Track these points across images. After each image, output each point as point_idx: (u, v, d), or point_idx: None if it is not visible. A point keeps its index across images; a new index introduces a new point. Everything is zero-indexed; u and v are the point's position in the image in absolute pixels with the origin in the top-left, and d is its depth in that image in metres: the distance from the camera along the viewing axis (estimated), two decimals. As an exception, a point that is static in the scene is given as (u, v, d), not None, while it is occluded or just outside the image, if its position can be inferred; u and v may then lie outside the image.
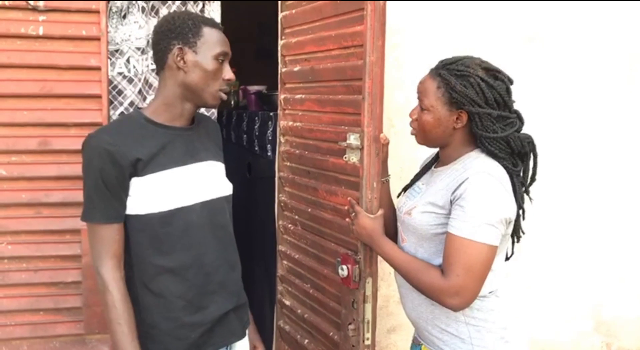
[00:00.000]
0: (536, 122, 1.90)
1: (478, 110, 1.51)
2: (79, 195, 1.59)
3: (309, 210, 2.17)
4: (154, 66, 1.99)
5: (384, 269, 2.35)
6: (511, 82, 1.58)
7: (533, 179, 1.62)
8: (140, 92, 2.29)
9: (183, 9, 2.29)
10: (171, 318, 1.56)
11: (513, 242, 1.64)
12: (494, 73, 1.55)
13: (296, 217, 2.28)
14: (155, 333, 1.56)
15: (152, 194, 1.51)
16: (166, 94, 1.57)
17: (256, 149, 2.99)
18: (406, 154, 2.42)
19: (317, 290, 2.14)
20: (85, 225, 1.53)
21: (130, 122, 1.58)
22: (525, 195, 1.60)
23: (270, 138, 2.81)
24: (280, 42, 2.34)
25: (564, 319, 2.86)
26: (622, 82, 2.81)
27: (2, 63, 2.03)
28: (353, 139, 1.82)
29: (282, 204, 2.38)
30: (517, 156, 1.56)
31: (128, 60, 2.27)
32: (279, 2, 2.32)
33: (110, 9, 2.21)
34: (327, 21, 2.00)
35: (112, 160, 1.45)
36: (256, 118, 3.00)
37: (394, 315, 2.65)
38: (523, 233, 1.64)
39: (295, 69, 2.22)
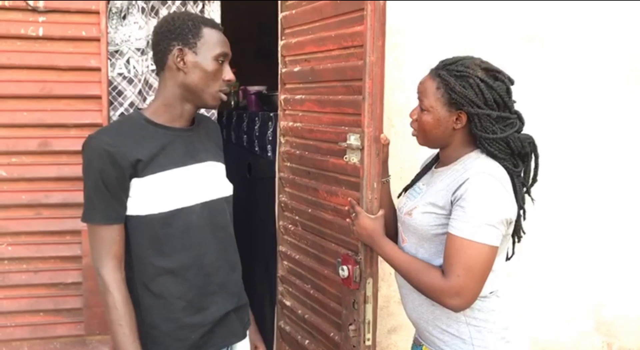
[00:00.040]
0: (536, 123, 1.90)
1: (477, 111, 1.51)
2: (79, 196, 1.58)
3: (310, 210, 2.16)
4: (154, 67, 1.99)
5: (385, 270, 2.34)
6: (512, 82, 1.57)
7: (534, 180, 1.62)
8: (140, 92, 2.29)
9: (183, 9, 2.29)
10: (171, 319, 1.56)
11: (514, 242, 1.64)
12: (493, 73, 1.55)
13: (296, 217, 2.28)
14: (156, 334, 1.56)
15: (152, 194, 1.51)
16: (166, 94, 1.57)
17: (256, 149, 2.99)
18: (406, 154, 2.42)
19: (317, 290, 2.14)
20: (85, 226, 1.53)
21: (130, 123, 1.58)
22: (526, 195, 1.60)
23: (270, 138, 2.81)
24: (280, 43, 2.33)
25: (564, 318, 2.86)
26: (622, 82, 2.81)
27: (2, 64, 2.02)
28: (353, 140, 1.82)
29: (282, 205, 2.38)
30: (517, 157, 1.56)
31: (128, 61, 2.27)
32: (279, 2, 2.32)
33: (110, 10, 2.20)
34: (327, 21, 2.00)
35: (112, 161, 1.45)
36: (256, 118, 3.00)
37: (395, 315, 2.65)
38: (524, 233, 1.64)
39: (296, 69, 2.22)
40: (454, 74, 1.53)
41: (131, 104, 2.26)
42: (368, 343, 1.84)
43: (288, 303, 2.35)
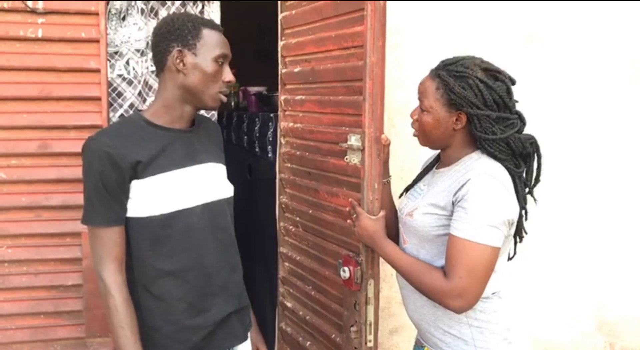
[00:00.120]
0: (537, 123, 1.89)
1: (477, 112, 1.50)
2: (79, 198, 1.58)
3: (310, 211, 2.16)
4: (153, 68, 1.98)
5: (386, 271, 2.34)
6: (513, 82, 1.56)
7: (537, 180, 1.61)
8: (140, 94, 2.28)
9: (182, 10, 2.29)
10: (172, 321, 1.56)
11: (515, 243, 1.63)
12: (493, 74, 1.54)
13: (297, 218, 2.27)
14: (157, 336, 1.55)
15: (152, 196, 1.50)
16: (166, 96, 1.56)
17: (257, 150, 2.99)
18: (407, 155, 2.41)
19: (318, 292, 2.13)
20: (85, 228, 1.52)
21: (130, 124, 1.58)
22: (529, 196, 1.59)
23: (270, 139, 2.81)
24: (280, 43, 2.33)
25: (567, 318, 2.85)
26: (623, 82, 2.80)
27: (1, 66, 2.02)
28: (354, 140, 1.81)
29: (283, 206, 2.38)
30: (519, 157, 1.55)
31: (127, 62, 2.27)
32: (279, 2, 2.31)
33: (109, 11, 2.20)
34: (327, 22, 2.00)
35: (112, 162, 1.45)
36: (256, 119, 3.00)
37: (396, 316, 2.64)
38: (526, 233, 1.64)
39: (296, 70, 2.22)
40: (453, 74, 1.52)
41: (131, 106, 2.26)
42: (370, 344, 1.83)
43: (289, 304, 2.35)
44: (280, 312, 2.44)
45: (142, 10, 2.24)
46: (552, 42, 2.73)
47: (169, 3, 2.28)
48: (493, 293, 1.54)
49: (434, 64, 1.61)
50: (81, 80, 2.08)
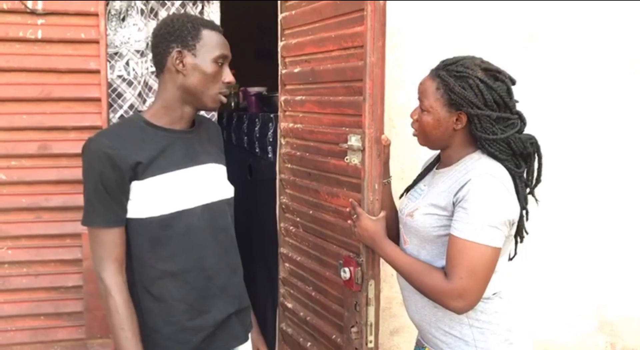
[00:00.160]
0: (537, 123, 1.89)
1: (477, 112, 1.50)
2: (79, 199, 1.58)
3: (311, 212, 2.16)
4: (153, 69, 1.98)
5: (387, 271, 2.33)
6: (513, 82, 1.56)
7: (538, 180, 1.61)
8: (139, 94, 2.28)
9: (182, 10, 2.29)
10: (172, 322, 1.55)
11: (516, 243, 1.63)
12: (494, 74, 1.54)
13: (297, 219, 2.27)
14: (157, 337, 1.55)
15: (152, 197, 1.50)
16: (166, 97, 1.56)
17: (257, 150, 2.99)
18: (407, 155, 2.41)
19: (319, 292, 2.13)
20: (85, 229, 1.52)
21: (130, 125, 1.58)
22: (530, 196, 1.59)
23: (271, 140, 2.80)
24: (280, 44, 2.33)
25: (568, 319, 2.85)
26: (623, 82, 2.80)
27: (1, 67, 2.02)
28: (354, 141, 1.81)
29: (283, 206, 2.37)
30: (519, 157, 1.55)
31: (127, 63, 2.27)
32: (279, 3, 2.31)
33: (109, 12, 2.20)
34: (327, 22, 1.99)
35: (112, 163, 1.45)
36: (257, 120, 3.00)
37: (397, 316, 2.64)
38: (526, 233, 1.63)
39: (296, 70, 2.22)
40: (453, 74, 1.52)
41: (131, 106, 2.26)
42: (370, 345, 1.83)
43: (290, 305, 2.34)
44: (280, 313, 2.43)
45: (142, 11, 2.24)
46: (552, 42, 2.73)
47: (168, 4, 2.28)
48: (494, 293, 1.54)
49: (434, 64, 1.61)
50: (81, 81, 2.08)
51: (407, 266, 1.56)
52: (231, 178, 1.73)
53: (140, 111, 1.63)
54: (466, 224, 1.43)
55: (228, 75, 1.56)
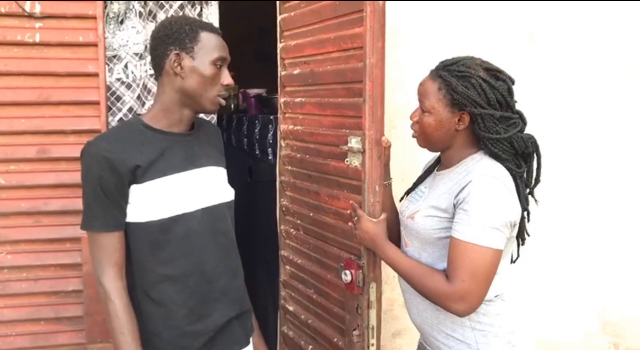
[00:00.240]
0: (537, 123, 1.88)
1: (480, 111, 1.49)
2: (78, 203, 1.57)
3: (311, 214, 2.15)
4: (152, 71, 1.97)
5: (388, 272, 2.32)
6: (512, 82, 1.56)
7: (537, 180, 1.60)
8: (138, 97, 2.28)
9: (181, 13, 2.28)
10: (173, 326, 1.54)
11: (518, 245, 1.62)
12: (495, 73, 1.53)
13: (298, 221, 2.26)
14: (157, 342, 1.54)
15: (151, 201, 1.49)
16: (164, 99, 1.55)
17: (257, 152, 2.98)
18: (408, 156, 2.40)
19: (320, 295, 2.12)
20: (85, 233, 1.51)
21: (128, 128, 1.57)
22: (530, 197, 1.58)
23: (271, 141, 2.80)
24: (279, 45, 2.32)
25: (570, 320, 2.84)
26: (623, 82, 2.79)
27: (-1, 71, 2.01)
28: (354, 142, 1.80)
29: (283, 209, 2.37)
30: (520, 157, 1.54)
31: (126, 66, 2.26)
32: (277, 4, 2.30)
33: (107, 14, 2.19)
34: (326, 23, 1.99)
35: (111, 167, 1.44)
36: (256, 121, 2.99)
37: (399, 319, 2.63)
38: (528, 235, 1.62)
39: (295, 72, 2.21)
40: (455, 74, 1.51)
41: (130, 109, 2.25)
42: (372, 348, 1.82)
43: (291, 308, 2.33)
44: (282, 316, 2.43)
45: (140, 14, 2.23)
46: (552, 42, 2.72)
47: (167, 6, 2.28)
48: (496, 296, 1.53)
49: (435, 63, 1.60)
50: (79, 84, 2.07)
51: (409, 269, 1.55)
52: (231, 180, 1.72)
53: (139, 114, 1.62)
54: (467, 226, 1.43)
55: (227, 78, 1.55)
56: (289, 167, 2.31)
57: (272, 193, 2.44)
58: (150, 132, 1.53)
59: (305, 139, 2.17)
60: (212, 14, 2.34)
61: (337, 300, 1.99)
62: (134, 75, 2.26)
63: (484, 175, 1.46)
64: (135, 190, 1.48)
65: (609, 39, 2.75)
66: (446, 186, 1.54)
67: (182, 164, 1.56)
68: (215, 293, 1.59)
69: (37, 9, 2.01)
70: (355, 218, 1.74)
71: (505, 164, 1.51)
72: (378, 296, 1.82)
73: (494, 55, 1.68)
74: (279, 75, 2.33)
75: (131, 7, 2.22)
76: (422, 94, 1.57)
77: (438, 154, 1.69)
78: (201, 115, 1.98)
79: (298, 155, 2.23)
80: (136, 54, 2.25)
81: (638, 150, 2.83)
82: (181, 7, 2.29)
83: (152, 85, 2.28)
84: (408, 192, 1.76)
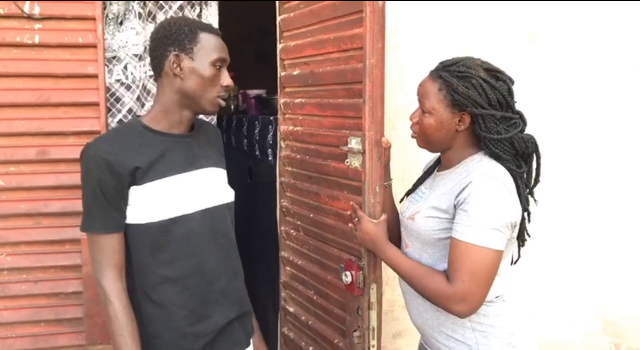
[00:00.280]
0: (537, 123, 1.88)
1: (481, 111, 1.49)
2: (78, 205, 1.57)
3: (311, 215, 2.15)
4: (151, 73, 1.97)
5: (389, 273, 2.32)
6: (512, 82, 1.56)
7: (537, 180, 1.60)
8: (138, 98, 2.27)
9: (180, 13, 2.27)
10: (173, 328, 1.54)
11: (519, 246, 1.61)
12: (495, 74, 1.53)
13: (298, 222, 2.26)
14: (157, 343, 1.54)
15: (151, 202, 1.49)
16: (164, 101, 1.55)
17: (257, 153, 2.98)
18: (408, 157, 2.40)
19: (321, 296, 2.12)
20: (85, 234, 1.51)
21: (128, 130, 1.57)
22: (530, 197, 1.58)
23: (270, 142, 2.80)
24: (279, 46, 2.32)
25: (571, 320, 2.84)
26: (623, 82, 2.79)
27: (-1, 72, 2.01)
28: (354, 143, 1.80)
29: (283, 210, 2.36)
30: (520, 157, 1.54)
31: (125, 67, 2.26)
32: (277, 4, 2.30)
33: (107, 16, 2.19)
34: (325, 24, 1.98)
35: (110, 169, 1.44)
36: (256, 122, 2.99)
37: (400, 320, 2.63)
38: (529, 236, 1.62)
39: (295, 72, 2.21)
40: (455, 75, 1.51)
41: (129, 111, 2.25)
42: (373, 349, 1.82)
43: (291, 309, 2.33)
44: (282, 317, 2.42)
45: (140, 15, 2.23)
46: (552, 42, 2.72)
47: (166, 7, 2.27)
48: (497, 297, 1.53)
49: (435, 64, 1.59)
50: (79, 85, 2.07)
51: (409, 270, 1.55)
52: (231, 181, 1.72)
53: (138, 116, 1.62)
54: (467, 227, 1.42)
55: (226, 79, 1.55)
56: (289, 168, 2.30)
57: (272, 194, 2.44)
58: (149, 133, 1.53)
59: (305, 140, 2.17)
60: (211, 15, 2.33)
61: (338, 302, 1.99)
62: (134, 76, 2.26)
63: (484, 176, 1.46)
64: (134, 192, 1.48)
65: (609, 39, 2.75)
66: (446, 187, 1.54)
67: (182, 166, 1.55)
68: (216, 294, 1.59)
69: (37, 10, 2.00)
70: (356, 219, 1.74)
71: (506, 165, 1.51)
72: (379, 297, 1.81)
73: (494, 55, 1.68)
74: (278, 76, 2.33)
75: (130, 8, 2.22)
76: (422, 94, 1.57)
77: (438, 154, 1.68)
78: (201, 116, 1.98)
79: (298, 156, 2.22)
80: (135, 55, 2.25)
81: (638, 151, 2.83)
82: (181, 7, 2.28)
83: (152, 87, 2.28)
84: (408, 193, 1.75)
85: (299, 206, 2.25)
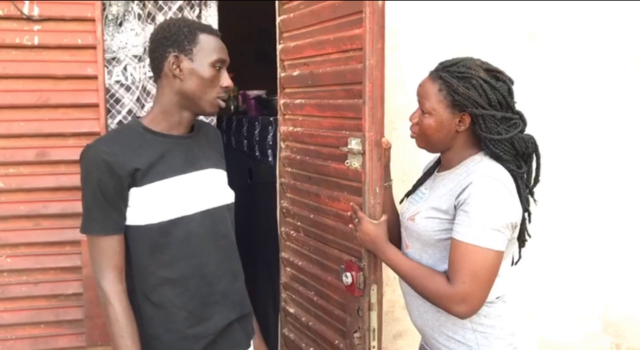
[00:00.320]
0: (537, 123, 1.88)
1: (482, 112, 1.49)
2: (78, 206, 1.57)
3: (311, 216, 2.14)
4: (151, 74, 1.97)
5: (389, 274, 2.32)
6: (512, 82, 1.56)
7: (537, 180, 1.60)
8: (138, 100, 2.27)
9: (180, 14, 2.27)
10: (173, 330, 1.54)
11: (519, 247, 1.61)
12: (495, 74, 1.53)
13: (298, 223, 2.25)
14: (157, 345, 1.54)
15: (151, 204, 1.49)
16: (164, 102, 1.55)
17: (257, 154, 2.98)
18: (408, 157, 2.39)
19: (321, 297, 2.11)
20: (85, 236, 1.51)
21: (128, 131, 1.56)
22: (530, 197, 1.58)
23: (270, 143, 2.79)
24: (279, 47, 2.31)
25: (572, 320, 2.84)
26: (623, 82, 2.79)
27: (-2, 74, 2.01)
28: (354, 144, 1.80)
29: (284, 211, 2.36)
30: (521, 158, 1.54)
31: (125, 68, 2.25)
32: (277, 4, 2.29)
33: (106, 17, 2.19)
34: (325, 24, 1.98)
35: (110, 170, 1.43)
36: (256, 123, 2.98)
37: (400, 320, 2.62)
38: (529, 236, 1.62)
39: (295, 73, 2.20)
40: (456, 75, 1.51)
41: (129, 112, 2.24)
42: (373, 350, 1.82)
43: (292, 310, 2.33)
44: (282, 318, 2.42)
45: (139, 16, 2.23)
46: (552, 42, 2.71)
47: (165, 8, 2.27)
48: (497, 297, 1.53)
49: (435, 64, 1.59)
50: (78, 87, 2.06)
51: (409, 270, 1.54)
52: (231, 182, 1.72)
53: (138, 117, 1.61)
54: (468, 228, 1.42)
55: (226, 80, 1.55)
56: (289, 169, 2.30)
57: (272, 195, 2.44)
58: (149, 134, 1.53)
59: (305, 141, 2.17)
60: (211, 16, 2.33)
61: (338, 303, 1.99)
62: (133, 77, 2.26)
63: (484, 177, 1.46)
64: (134, 194, 1.48)
65: (609, 39, 2.75)
66: (447, 187, 1.53)
67: (182, 167, 1.55)
68: (216, 296, 1.58)
69: (36, 11, 2.00)
70: (356, 220, 1.73)
71: (506, 165, 1.51)
72: (379, 298, 1.81)
73: (494, 55, 1.68)
74: (278, 76, 2.33)
75: (130, 9, 2.21)
76: (422, 95, 1.56)
77: (438, 155, 1.68)
78: (201, 117, 1.98)
79: (298, 157, 2.22)
80: (135, 56, 2.25)
81: (638, 151, 2.83)
82: (180, 8, 2.28)
83: (152, 88, 2.28)
84: (408, 194, 1.75)
85: (299, 207, 2.24)
